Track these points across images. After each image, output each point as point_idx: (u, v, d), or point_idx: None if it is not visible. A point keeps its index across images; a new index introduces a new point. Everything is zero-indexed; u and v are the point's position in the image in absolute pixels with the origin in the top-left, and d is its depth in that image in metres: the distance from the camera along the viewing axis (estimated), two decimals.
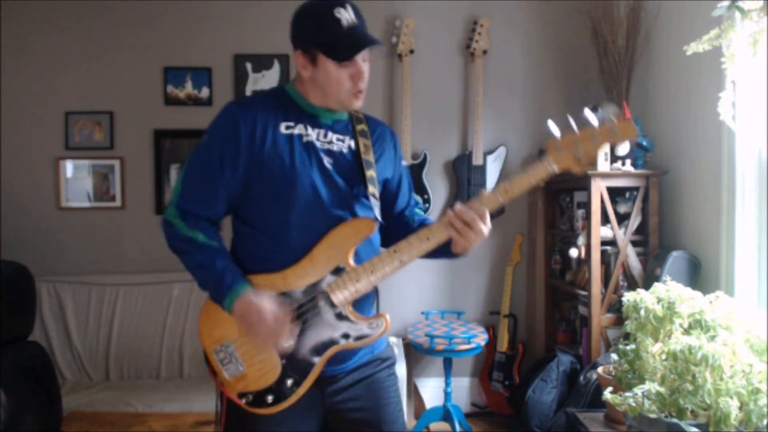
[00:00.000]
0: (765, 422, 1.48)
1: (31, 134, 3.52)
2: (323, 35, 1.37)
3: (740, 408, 1.50)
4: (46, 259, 3.43)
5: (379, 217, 1.47)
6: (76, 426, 2.61)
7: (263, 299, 1.34)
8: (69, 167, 3.54)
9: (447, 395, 3.22)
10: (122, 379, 3.19)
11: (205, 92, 3.56)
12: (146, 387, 3.02)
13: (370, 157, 1.49)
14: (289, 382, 1.39)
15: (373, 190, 1.47)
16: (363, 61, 1.41)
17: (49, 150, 3.53)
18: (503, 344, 3.48)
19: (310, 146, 1.42)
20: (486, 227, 1.37)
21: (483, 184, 3.52)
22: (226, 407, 1.47)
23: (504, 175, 3.58)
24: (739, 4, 1.77)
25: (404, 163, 1.63)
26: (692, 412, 1.54)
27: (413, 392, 3.44)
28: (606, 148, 1.36)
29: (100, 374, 3.20)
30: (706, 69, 2.50)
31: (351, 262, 1.40)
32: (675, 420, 1.54)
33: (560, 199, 3.50)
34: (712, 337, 1.66)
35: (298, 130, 1.42)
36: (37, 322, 2.87)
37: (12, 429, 2.09)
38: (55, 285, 3.28)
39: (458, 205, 1.37)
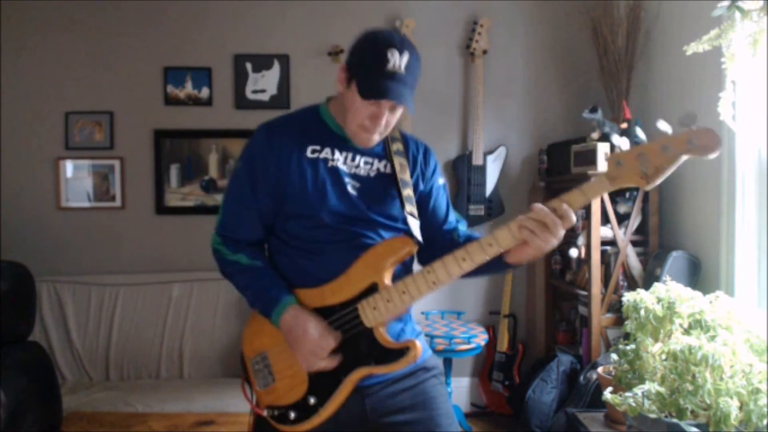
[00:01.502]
0: (765, 422, 1.48)
1: (31, 134, 3.51)
2: (364, 66, 1.35)
3: (740, 408, 1.50)
4: (46, 259, 3.43)
5: (418, 236, 1.44)
6: (76, 426, 2.61)
7: (310, 316, 1.35)
8: (69, 167, 3.53)
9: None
10: (122, 379, 3.18)
11: (205, 92, 3.56)
12: (146, 387, 3.01)
13: (406, 176, 1.46)
14: (312, 400, 1.37)
15: (411, 209, 1.45)
16: (389, 109, 1.37)
17: (49, 150, 3.52)
18: (503, 344, 3.48)
19: (334, 171, 1.42)
20: (561, 230, 1.26)
21: (483, 184, 3.52)
22: (255, 419, 1.48)
23: (504, 175, 3.58)
24: (739, 4, 1.77)
25: (441, 180, 1.58)
26: (692, 412, 1.54)
27: None
28: (680, 161, 1.17)
29: (100, 374, 3.19)
30: (706, 69, 2.50)
31: (386, 281, 1.36)
32: (675, 420, 1.54)
33: None
34: (712, 337, 1.66)
35: (324, 154, 1.43)
36: (37, 322, 2.87)
37: (12, 429, 2.09)
38: (55, 285, 3.28)
39: (536, 206, 1.28)
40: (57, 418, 2.45)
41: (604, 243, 2.84)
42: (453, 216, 1.59)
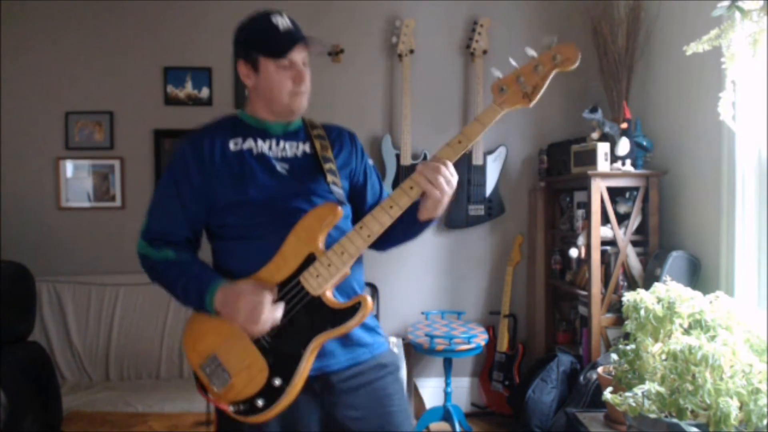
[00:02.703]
0: (765, 422, 1.48)
1: (31, 134, 3.51)
2: (261, 38, 1.45)
3: (740, 408, 1.50)
4: (46, 259, 3.43)
5: (343, 200, 1.50)
6: (76, 426, 2.61)
7: (240, 283, 1.37)
8: (69, 167, 3.53)
9: (447, 395, 3.22)
10: (122, 379, 3.19)
11: (205, 92, 3.56)
12: (146, 387, 3.01)
13: (328, 153, 1.53)
14: (278, 381, 1.37)
15: (333, 179, 1.50)
16: (303, 64, 1.46)
17: (49, 150, 3.53)
18: (503, 344, 3.48)
19: (261, 157, 1.47)
20: (449, 174, 1.37)
21: (483, 184, 3.52)
22: (218, 414, 1.48)
23: (504, 175, 3.59)
24: (739, 4, 1.77)
25: (370, 161, 1.66)
26: (692, 412, 1.54)
27: (413, 392, 3.44)
28: (551, 76, 1.35)
29: (100, 374, 3.19)
30: (706, 69, 2.50)
31: (321, 247, 1.39)
32: (675, 420, 1.54)
33: (560, 199, 3.50)
34: (712, 337, 1.66)
35: (247, 144, 1.48)
36: (37, 322, 2.86)
37: (12, 429, 2.09)
38: (55, 285, 3.28)
39: (418, 166, 1.39)
40: (57, 418, 2.45)
41: (604, 243, 2.84)
42: (386, 192, 1.64)
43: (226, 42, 3.52)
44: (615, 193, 2.89)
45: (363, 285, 1.55)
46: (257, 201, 1.43)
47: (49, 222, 3.53)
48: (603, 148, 2.80)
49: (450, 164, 1.37)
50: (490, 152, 3.55)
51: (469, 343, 3.06)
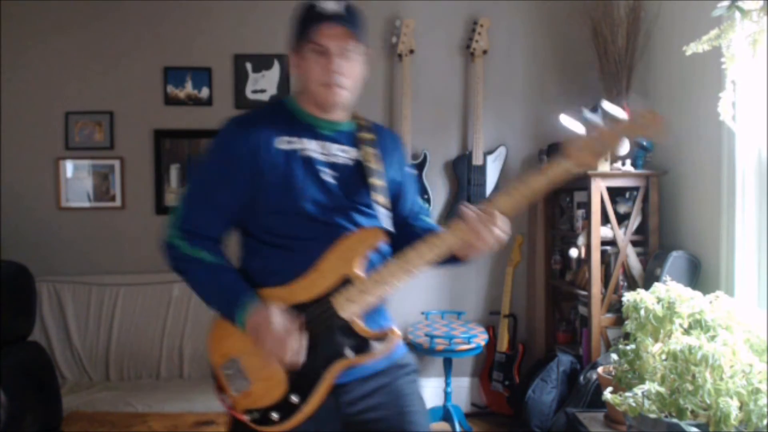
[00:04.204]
0: (765, 422, 1.48)
1: (31, 134, 3.51)
2: (299, 26, 1.38)
3: (740, 408, 1.51)
4: (46, 259, 3.43)
5: (389, 227, 1.44)
6: (76, 426, 2.61)
7: (272, 310, 1.33)
8: (69, 167, 3.53)
9: (447, 395, 3.22)
10: (122, 379, 3.19)
11: (205, 92, 3.56)
12: (146, 387, 3.02)
13: (376, 165, 1.45)
14: (295, 398, 1.35)
15: (381, 199, 1.44)
16: (338, 52, 1.36)
17: (49, 150, 3.52)
18: (503, 344, 3.48)
19: (308, 161, 1.40)
20: (499, 230, 1.32)
21: (483, 184, 3.52)
22: (232, 422, 1.45)
23: (504, 175, 3.58)
24: (739, 4, 1.77)
25: (409, 169, 1.60)
26: (692, 412, 1.54)
27: None
28: (626, 143, 1.34)
29: (100, 374, 3.19)
30: (706, 69, 2.50)
31: (358, 272, 1.36)
32: (675, 420, 1.54)
33: (560, 199, 3.50)
34: (712, 337, 1.66)
35: (297, 144, 1.40)
36: (37, 322, 2.86)
37: (12, 429, 2.09)
38: (55, 285, 3.28)
39: (468, 208, 1.33)
40: (57, 418, 2.45)
41: (604, 243, 2.84)
42: (418, 205, 1.60)
43: (226, 42, 3.56)
44: (615, 193, 2.89)
45: (388, 316, 1.50)
46: (302, 213, 1.37)
47: (49, 222, 3.53)
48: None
49: (503, 220, 1.32)
50: (490, 152, 3.55)
51: (469, 343, 3.06)
